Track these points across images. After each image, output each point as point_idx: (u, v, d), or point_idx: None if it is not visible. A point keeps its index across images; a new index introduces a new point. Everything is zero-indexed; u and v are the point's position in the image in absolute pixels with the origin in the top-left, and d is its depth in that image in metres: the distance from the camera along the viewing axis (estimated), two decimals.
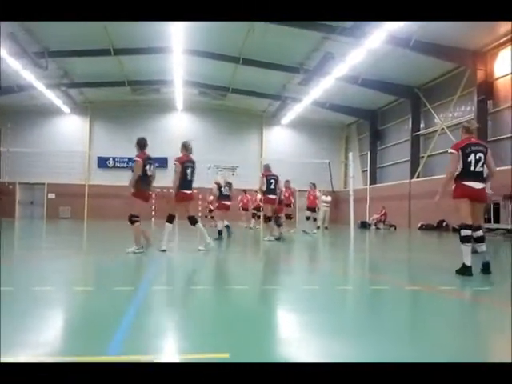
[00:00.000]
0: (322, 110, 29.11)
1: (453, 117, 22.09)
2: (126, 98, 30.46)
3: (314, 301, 4.32)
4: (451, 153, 5.99)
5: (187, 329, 3.25)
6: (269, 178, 12.24)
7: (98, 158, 31.46)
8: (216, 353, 2.54)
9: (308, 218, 17.67)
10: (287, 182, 17.45)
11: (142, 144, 8.39)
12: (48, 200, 30.80)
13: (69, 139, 30.85)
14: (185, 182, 8.63)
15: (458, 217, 5.96)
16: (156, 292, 4.63)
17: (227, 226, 13.07)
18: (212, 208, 12.54)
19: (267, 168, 12.50)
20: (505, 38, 18.09)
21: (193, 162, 8.86)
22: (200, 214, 24.53)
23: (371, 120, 30.05)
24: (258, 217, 16.44)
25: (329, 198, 23.14)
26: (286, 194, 17.35)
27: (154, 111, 31.53)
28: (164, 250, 8.22)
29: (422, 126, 24.98)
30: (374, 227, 24.12)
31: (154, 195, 8.61)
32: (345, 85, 24.02)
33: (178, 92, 28.47)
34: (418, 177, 24.46)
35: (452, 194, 5.94)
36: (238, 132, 32.76)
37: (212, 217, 13.38)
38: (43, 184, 30.31)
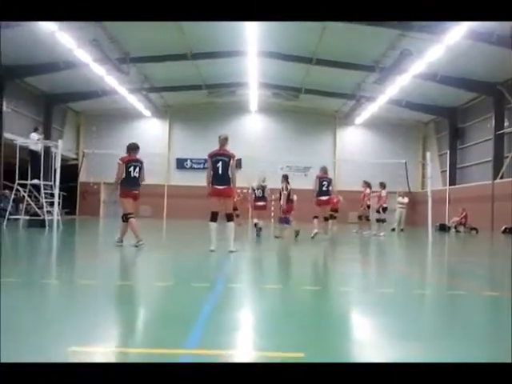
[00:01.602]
0: (398, 109, 28.32)
1: None
2: (202, 101, 31.30)
3: (387, 304, 4.28)
4: None
5: (263, 327, 3.33)
6: (321, 180, 12.71)
7: (177, 159, 32.54)
8: (291, 352, 2.61)
9: (360, 218, 17.57)
10: (365, 182, 17.17)
11: (128, 147, 9.06)
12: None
13: (149, 141, 32.11)
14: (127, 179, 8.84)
15: None
16: (231, 289, 4.77)
17: (259, 227, 13.37)
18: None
19: (323, 170, 13.00)
20: None
21: (137, 161, 8.98)
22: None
23: (450, 118, 28.82)
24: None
25: (405, 200, 22.49)
26: (361, 196, 17.13)
27: (229, 113, 32.13)
28: (212, 250, 8.12)
29: (506, 124, 23.62)
30: (453, 230, 23.15)
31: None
32: (422, 82, 23.24)
33: (253, 94, 28.84)
34: (501, 177, 23.18)
35: None
36: (311, 132, 32.60)
37: (237, 215, 13.68)
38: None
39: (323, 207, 12.80)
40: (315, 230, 12.61)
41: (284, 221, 13.32)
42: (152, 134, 32.69)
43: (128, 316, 3.55)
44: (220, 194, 8.36)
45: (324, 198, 12.62)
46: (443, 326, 3.58)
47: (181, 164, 32.67)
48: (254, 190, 13.88)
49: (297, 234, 12.77)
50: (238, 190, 14.19)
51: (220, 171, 8.25)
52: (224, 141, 8.48)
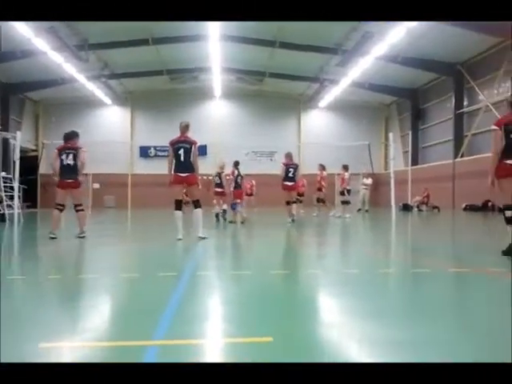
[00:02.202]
0: (360, 91, 28.60)
1: (498, 93, 21.28)
2: (164, 87, 30.83)
3: (354, 284, 4.32)
4: (494, 129, 5.78)
5: (231, 314, 3.32)
6: (288, 166, 13.06)
7: (140, 147, 32.04)
8: (260, 337, 2.60)
9: (318, 201, 18.03)
10: (321, 165, 17.54)
11: (64, 136, 8.87)
12: (93, 190, 31.68)
13: (111, 130, 31.54)
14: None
15: (502, 197, 5.77)
16: (199, 278, 4.73)
17: (224, 211, 13.80)
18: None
19: (288, 156, 13.35)
20: None
21: (70, 149, 8.69)
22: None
23: (412, 99, 29.31)
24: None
25: (369, 181, 22.86)
26: (318, 178, 17.49)
27: (192, 99, 31.75)
28: (179, 239, 8.04)
29: (465, 103, 24.19)
30: (416, 209, 23.67)
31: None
32: (384, 64, 23.50)
33: (216, 79, 28.58)
34: (461, 156, 23.78)
35: (495, 174, 5.73)
36: (276, 117, 32.61)
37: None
38: (87, 174, 31.11)
39: (289, 192, 13.14)
40: (290, 217, 12.77)
41: (232, 206, 13.46)
42: (113, 121, 32.08)
43: (94, 309, 3.47)
44: (183, 182, 8.31)
45: (290, 183, 13.00)
46: (409, 303, 3.64)
47: (144, 152, 32.19)
48: (214, 177, 14.21)
49: (242, 221, 13.09)
50: (205, 177, 14.17)
51: (182, 158, 8.17)
52: (185, 128, 8.39)
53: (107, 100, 30.85)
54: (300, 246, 8.63)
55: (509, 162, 5.60)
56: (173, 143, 8.31)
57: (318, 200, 18.15)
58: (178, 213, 8.30)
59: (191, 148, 8.22)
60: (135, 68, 27.16)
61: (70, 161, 8.54)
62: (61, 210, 8.69)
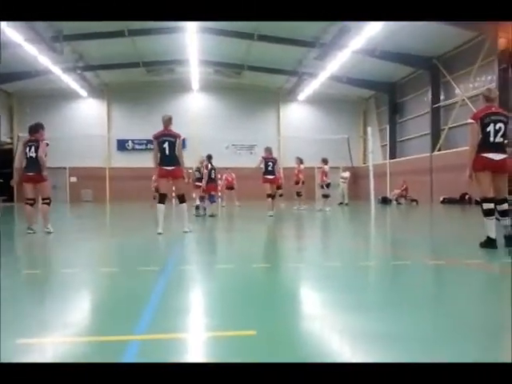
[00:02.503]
0: (339, 85, 28.71)
1: (473, 87, 21.58)
2: (141, 80, 30.47)
3: (336, 277, 4.33)
4: (470, 123, 5.85)
5: (213, 307, 3.29)
6: (267, 160, 13.43)
7: (117, 140, 31.65)
8: (243, 330, 2.58)
9: (297, 194, 18.30)
10: (298, 159, 17.69)
11: (29, 128, 8.66)
12: (70, 184, 31.24)
13: (87, 122, 31.05)
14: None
15: (479, 190, 5.85)
16: (181, 272, 4.68)
17: (202, 207, 13.97)
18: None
19: (268, 151, 13.74)
20: None
21: (32, 141, 8.47)
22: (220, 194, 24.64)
23: (390, 93, 29.55)
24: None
25: (346, 174, 23.04)
26: (296, 172, 17.68)
27: (169, 92, 31.45)
28: (159, 233, 7.98)
29: (442, 97, 24.49)
30: (395, 202, 23.94)
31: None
32: (362, 58, 23.61)
33: (193, 71, 28.31)
34: (439, 150, 24.09)
35: (473, 167, 5.79)
36: (255, 110, 32.55)
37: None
38: (65, 168, 30.66)
39: (270, 185, 13.50)
40: (270, 212, 12.91)
41: (210, 199, 13.58)
42: (90, 114, 31.59)
43: (73, 304, 3.40)
44: (169, 175, 8.25)
45: (270, 176, 13.38)
46: (390, 295, 3.66)
47: (122, 145, 31.82)
48: (194, 172, 14.61)
49: (211, 214, 13.19)
50: (190, 171, 14.26)
51: (167, 152, 8.12)
52: (168, 121, 8.33)
53: (83, 92, 30.35)
54: (281, 239, 8.63)
55: (485, 155, 5.67)
56: (157, 137, 8.22)
57: (298, 193, 18.28)
58: (161, 206, 8.22)
59: (176, 141, 8.20)
60: (111, 60, 26.74)
61: (32, 153, 8.33)
62: (31, 205, 8.48)
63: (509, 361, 2.05)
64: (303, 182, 18.15)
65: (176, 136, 8.25)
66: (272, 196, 13.45)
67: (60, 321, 2.91)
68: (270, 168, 13.34)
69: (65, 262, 5.53)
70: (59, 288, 3.95)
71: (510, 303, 2.98)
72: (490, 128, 5.66)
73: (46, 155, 8.47)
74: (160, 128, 8.37)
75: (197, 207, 14.06)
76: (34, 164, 8.32)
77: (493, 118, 5.70)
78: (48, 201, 8.57)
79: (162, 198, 8.28)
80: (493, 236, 5.62)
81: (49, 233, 8.25)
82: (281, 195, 17.50)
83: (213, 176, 13.69)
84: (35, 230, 8.27)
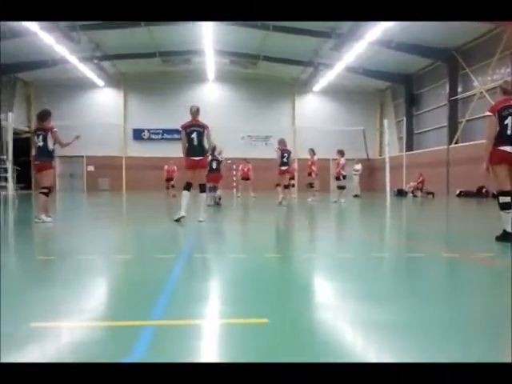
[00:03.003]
0: (355, 76, 28.50)
1: (492, 80, 21.27)
2: (157, 70, 30.58)
3: (348, 268, 4.35)
4: (488, 116, 5.78)
5: (227, 295, 3.33)
6: (283, 152, 14.04)
7: (133, 129, 31.86)
8: (255, 318, 2.61)
9: (310, 185, 18.19)
10: (311, 150, 17.65)
11: (37, 116, 8.67)
12: (87, 172, 31.57)
13: (104, 112, 31.28)
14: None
15: (496, 183, 5.79)
16: (197, 259, 4.74)
17: (217, 196, 14.31)
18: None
19: (282, 143, 14.34)
20: None
21: (41, 130, 8.41)
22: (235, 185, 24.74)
23: (406, 85, 29.25)
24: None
25: (358, 166, 22.95)
26: (309, 163, 17.65)
27: (185, 82, 31.52)
28: (182, 217, 8.20)
29: (459, 89, 24.18)
30: (411, 195, 23.77)
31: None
32: (378, 48, 23.41)
33: (209, 62, 28.34)
34: (456, 142, 23.83)
35: (490, 160, 5.73)
36: (270, 101, 32.47)
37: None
38: (82, 157, 30.97)
39: (283, 176, 14.30)
40: (280, 198, 13.51)
41: (209, 190, 13.63)
42: (106, 104, 31.82)
43: (89, 290, 3.47)
44: (197, 165, 8.41)
45: (285, 167, 14.07)
46: (403, 286, 3.67)
47: (138, 135, 32.03)
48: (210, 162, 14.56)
49: (209, 204, 13.14)
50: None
51: (195, 142, 8.31)
52: (196, 112, 8.50)
53: (100, 82, 30.58)
54: (294, 230, 8.65)
55: (502, 148, 5.60)
56: (185, 127, 8.41)
57: (311, 185, 18.25)
58: (187, 193, 8.39)
59: (204, 131, 8.37)
60: (127, 50, 26.86)
61: (40, 142, 8.32)
62: (46, 194, 8.35)
63: (509, 361, 2.05)
64: (316, 174, 18.10)
65: (204, 127, 8.43)
66: (286, 186, 14.00)
67: (75, 306, 2.97)
68: (285, 159, 13.96)
69: (80, 249, 5.62)
70: (74, 274, 4.02)
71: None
72: (508, 121, 5.58)
73: (55, 143, 8.51)
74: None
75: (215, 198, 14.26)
76: (42, 153, 8.34)
77: (511, 110, 5.61)
78: (46, 190, 8.33)
79: (189, 186, 8.43)
80: (509, 229, 5.56)
81: (37, 222, 8.01)
82: (293, 185, 17.65)
83: (214, 166, 13.79)
84: (44, 219, 8.11)
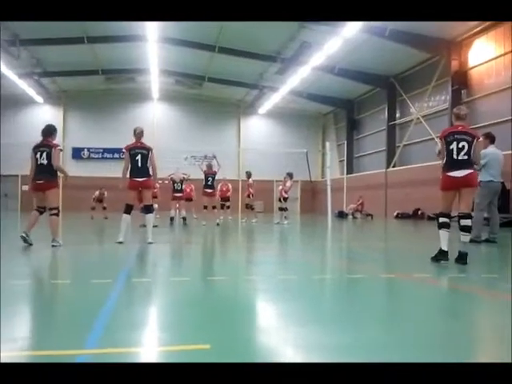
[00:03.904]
0: (299, 100, 29.15)
1: (428, 106, 22.36)
2: (100, 87, 29.99)
3: (291, 290, 4.35)
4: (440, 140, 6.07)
5: (167, 321, 3.23)
6: (207, 175, 15.15)
7: (73, 148, 30.94)
8: (197, 344, 2.54)
9: (246, 207, 18.92)
10: (247, 173, 18.01)
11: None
12: (22, 192, 30.23)
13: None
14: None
15: (441, 206, 6.04)
16: (135, 284, 4.60)
17: (183, 218, 15.32)
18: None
19: (208, 166, 15.40)
20: (479, 28, 18.36)
21: (44, 146, 7.94)
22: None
23: (348, 109, 30.21)
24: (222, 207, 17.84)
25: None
26: (246, 186, 18.12)
27: (129, 100, 31.10)
28: (120, 242, 8.08)
29: (397, 115, 25.23)
30: (351, 216, 24.35)
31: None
32: (321, 74, 24.08)
33: (154, 81, 28.14)
34: (394, 166, 24.74)
35: (440, 185, 5.97)
36: (216, 121, 32.55)
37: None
38: (17, 176, 29.68)
39: (209, 198, 15.35)
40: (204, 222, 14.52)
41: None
42: (45, 121, 29.98)
43: (22, 317, 3.27)
44: (139, 186, 8.42)
45: (209, 190, 15.13)
46: (345, 308, 3.70)
47: (77, 154, 31.14)
48: (174, 183, 15.77)
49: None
50: (160, 181, 14.59)
51: (139, 164, 8.30)
52: (140, 134, 8.53)
53: (39, 98, 29.61)
54: (237, 251, 8.61)
55: (450, 173, 5.82)
56: (129, 148, 8.41)
57: (247, 206, 18.69)
58: (127, 216, 8.34)
59: (148, 153, 8.42)
60: (69, 66, 26.26)
61: (43, 160, 7.75)
62: (41, 212, 7.95)
63: (509, 361, 2.09)
64: (253, 195, 18.39)
65: (148, 148, 8.46)
66: (213, 207, 15.43)
67: (5, 334, 2.79)
68: (209, 182, 15.07)
69: (14, 272, 5.32)
70: (6, 300, 3.79)
71: (446, 316, 3.05)
72: (453, 146, 5.81)
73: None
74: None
75: (171, 218, 15.43)
76: (45, 171, 7.76)
77: (457, 136, 5.82)
78: (56, 211, 7.89)
79: (129, 209, 8.38)
80: (445, 248, 5.77)
81: (55, 246, 7.50)
82: (228, 207, 17.86)
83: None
84: (29, 239, 7.59)
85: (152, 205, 8.74)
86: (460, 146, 5.76)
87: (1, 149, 27.83)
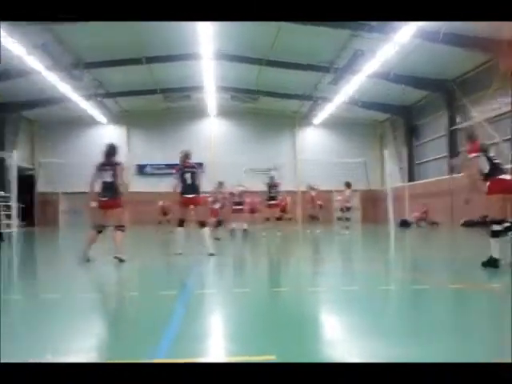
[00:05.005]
0: (354, 108, 28.80)
1: (490, 109, 21.49)
2: (159, 106, 30.92)
3: (354, 302, 4.31)
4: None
5: (232, 332, 3.29)
6: (270, 187, 15.25)
7: (137, 165, 32.05)
8: (263, 355, 2.58)
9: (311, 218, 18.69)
10: (309, 185, 18.18)
11: (105, 151, 8.23)
12: (91, 209, 31.57)
13: None
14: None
15: (492, 212, 6.17)
16: (199, 296, 4.70)
17: (244, 230, 15.26)
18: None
19: (271, 179, 15.61)
20: None
21: (108, 165, 8.08)
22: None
23: (405, 116, 29.52)
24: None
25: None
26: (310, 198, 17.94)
27: (186, 117, 31.86)
28: (179, 253, 8.56)
29: (458, 120, 24.39)
30: (415, 225, 23.68)
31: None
32: (376, 81, 23.71)
33: (210, 97, 28.71)
34: (458, 172, 23.88)
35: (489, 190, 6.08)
36: (272, 134, 32.71)
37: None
38: (84, 193, 31.01)
39: (272, 209, 15.45)
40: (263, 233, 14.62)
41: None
42: (109, 140, 31.93)
43: (92, 329, 3.44)
44: (190, 203, 8.89)
45: (272, 202, 15.24)
46: (410, 320, 3.62)
47: (141, 170, 32.22)
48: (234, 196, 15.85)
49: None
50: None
51: (189, 181, 8.81)
52: (184, 157, 9.07)
53: (103, 119, 30.94)
54: (299, 262, 8.60)
55: (501, 176, 6.02)
56: (178, 169, 9.01)
57: (311, 217, 18.58)
58: (181, 229, 8.95)
59: (196, 171, 9.01)
60: (130, 87, 27.27)
61: (108, 178, 7.97)
62: (99, 232, 8.02)
63: (509, 361, 2.03)
64: (321, 206, 18.37)
65: (195, 167, 9.10)
66: (278, 218, 15.65)
67: (79, 343, 2.94)
68: (272, 194, 15.12)
69: (85, 286, 5.59)
70: (77, 312, 3.99)
71: None
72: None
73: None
74: (176, 153, 9.28)
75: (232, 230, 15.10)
76: (110, 189, 7.94)
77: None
78: (123, 228, 8.10)
79: (182, 223, 8.98)
80: (497, 256, 5.87)
81: (121, 260, 7.60)
82: (289, 218, 18.07)
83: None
84: (90, 256, 7.76)
85: (205, 221, 9.20)
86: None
87: (69, 168, 29.33)
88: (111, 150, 8.25)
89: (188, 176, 8.82)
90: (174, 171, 9.17)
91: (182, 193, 8.80)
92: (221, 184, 15.12)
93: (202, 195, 9.04)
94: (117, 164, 8.14)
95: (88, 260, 7.65)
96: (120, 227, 8.04)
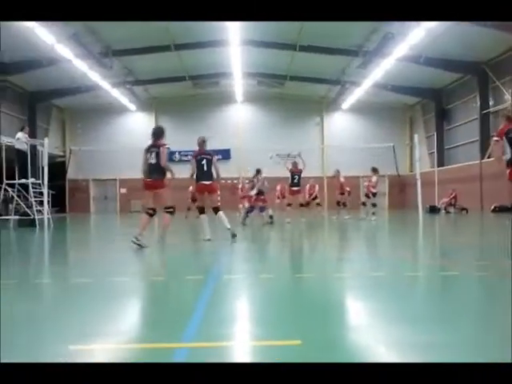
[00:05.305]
0: (383, 93, 28.34)
1: None
2: (187, 93, 31.05)
3: (381, 288, 4.31)
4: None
5: (258, 317, 3.35)
6: (294, 173, 15.09)
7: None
8: (288, 339, 2.63)
9: (338, 204, 18.57)
10: (337, 171, 18.31)
11: (152, 133, 8.42)
12: (120, 195, 32.17)
13: (136, 135, 31.82)
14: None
15: None
16: (225, 281, 4.78)
17: (270, 216, 14.60)
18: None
19: (294, 165, 15.32)
20: None
21: (154, 147, 8.17)
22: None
23: (436, 99, 28.89)
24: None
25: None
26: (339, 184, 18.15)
27: (214, 104, 31.91)
28: (208, 239, 8.64)
29: (491, 103, 23.76)
30: (443, 211, 23.33)
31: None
32: (406, 65, 23.24)
33: (237, 83, 28.68)
34: (489, 157, 23.35)
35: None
36: (299, 119, 32.51)
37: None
38: (115, 180, 31.62)
39: (295, 196, 15.39)
40: (288, 219, 14.54)
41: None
42: (138, 127, 32.35)
43: (123, 312, 3.55)
44: (206, 189, 9.07)
45: (295, 188, 15.16)
46: (438, 307, 3.62)
47: (169, 157, 32.41)
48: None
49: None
50: (229, 181, 14.94)
51: (205, 168, 8.96)
52: (202, 143, 9.18)
53: (132, 106, 31.26)
54: (325, 247, 8.62)
55: None
56: (195, 155, 9.17)
57: (339, 203, 18.48)
58: (204, 216, 9.05)
59: (212, 159, 9.06)
60: (159, 74, 27.45)
61: (152, 160, 8.01)
62: (151, 215, 8.09)
63: (509, 361, 2.02)
64: (349, 193, 18.32)
65: (211, 154, 9.13)
66: (302, 205, 15.69)
67: (110, 328, 3.05)
68: (295, 181, 15.04)
69: (117, 270, 5.73)
70: (108, 296, 4.12)
71: None
72: None
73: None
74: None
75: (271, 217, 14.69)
76: (155, 170, 8.03)
77: None
78: (171, 210, 8.24)
79: (202, 209, 9.16)
80: None
81: (160, 241, 8.13)
82: (318, 204, 17.98)
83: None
84: (141, 241, 7.67)
85: (218, 206, 9.21)
86: None
87: (99, 155, 29.83)
88: (159, 132, 8.38)
89: (204, 163, 8.95)
90: (190, 158, 9.27)
91: (198, 179, 8.99)
92: (258, 171, 14.92)
93: (215, 182, 9.15)
94: (162, 145, 8.20)
95: (140, 245, 7.60)
96: (168, 209, 8.20)
